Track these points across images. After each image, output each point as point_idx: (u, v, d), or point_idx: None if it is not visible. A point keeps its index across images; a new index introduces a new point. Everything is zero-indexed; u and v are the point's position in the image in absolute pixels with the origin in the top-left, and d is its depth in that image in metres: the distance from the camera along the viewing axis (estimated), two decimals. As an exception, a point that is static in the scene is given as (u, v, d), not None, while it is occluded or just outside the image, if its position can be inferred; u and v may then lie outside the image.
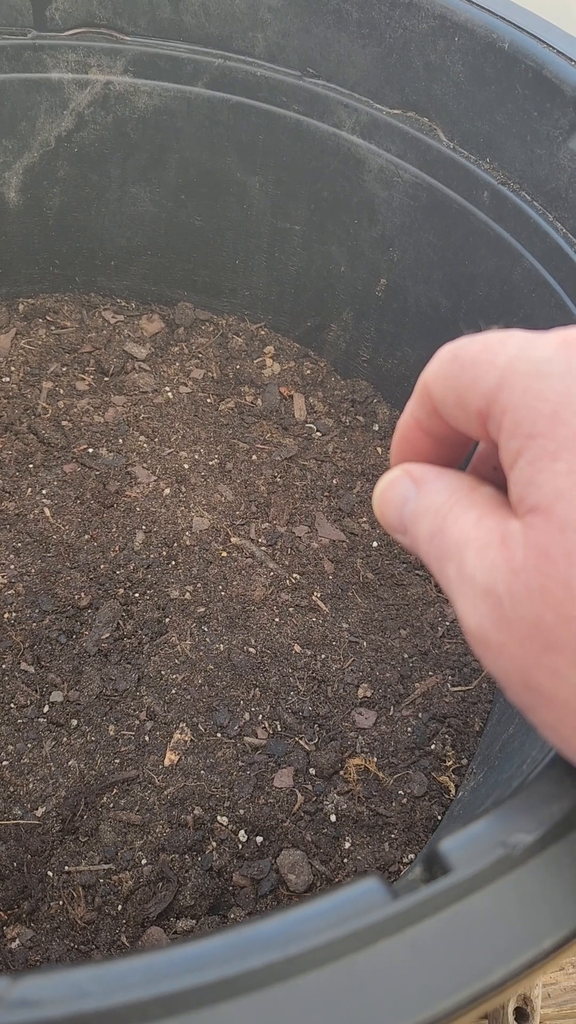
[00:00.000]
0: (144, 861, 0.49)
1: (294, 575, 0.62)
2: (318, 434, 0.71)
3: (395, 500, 0.26)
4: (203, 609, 0.59)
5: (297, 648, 0.58)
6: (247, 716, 0.55)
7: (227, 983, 0.19)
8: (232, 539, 0.63)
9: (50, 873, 0.48)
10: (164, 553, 0.61)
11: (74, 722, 0.54)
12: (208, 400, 0.72)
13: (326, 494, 0.67)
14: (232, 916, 0.48)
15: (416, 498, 0.25)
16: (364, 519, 0.66)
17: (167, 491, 0.65)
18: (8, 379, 0.70)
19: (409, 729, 0.55)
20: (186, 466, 0.67)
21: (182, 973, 0.19)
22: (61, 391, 0.70)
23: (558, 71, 0.51)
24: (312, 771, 0.53)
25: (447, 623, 0.61)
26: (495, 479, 0.25)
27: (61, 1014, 0.18)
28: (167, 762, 0.52)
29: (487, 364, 0.22)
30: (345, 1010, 0.19)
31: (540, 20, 0.53)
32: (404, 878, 0.22)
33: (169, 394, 0.71)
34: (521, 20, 0.53)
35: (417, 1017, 0.20)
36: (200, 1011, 0.19)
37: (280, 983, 0.19)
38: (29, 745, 0.52)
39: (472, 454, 0.27)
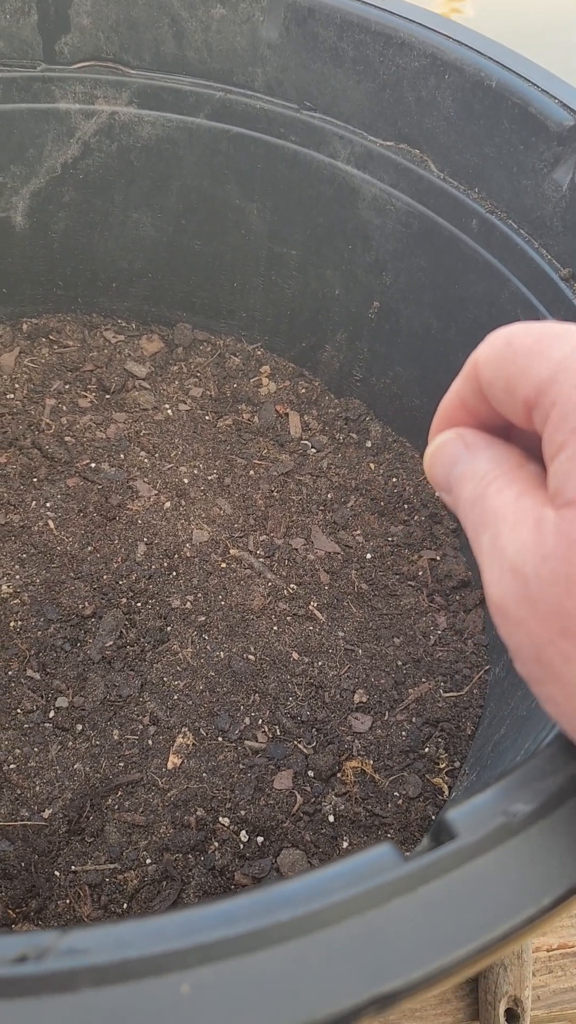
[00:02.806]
0: (148, 861, 0.50)
1: (291, 585, 0.64)
2: (313, 450, 0.73)
3: (445, 460, 0.27)
4: (204, 618, 0.61)
5: (295, 655, 0.60)
6: (247, 720, 0.56)
7: (258, 934, 0.21)
8: (231, 551, 0.65)
9: (57, 873, 0.49)
10: (165, 564, 0.63)
11: (79, 727, 0.55)
12: (207, 417, 0.74)
13: (321, 508, 0.69)
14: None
15: (465, 461, 0.26)
16: (358, 532, 0.68)
17: (168, 504, 0.67)
18: (12, 396, 0.72)
19: (404, 733, 0.57)
20: (186, 480, 0.69)
21: (216, 926, 0.21)
22: (64, 408, 0.72)
23: (542, 108, 0.54)
24: (311, 773, 0.55)
25: (439, 632, 0.63)
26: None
27: (107, 960, 0.20)
28: (170, 765, 0.54)
29: (541, 356, 0.23)
30: (364, 959, 0.21)
31: (525, 60, 0.56)
32: (415, 849, 0.24)
33: (169, 411, 0.74)
34: (507, 60, 0.56)
35: (430, 966, 0.21)
36: (234, 959, 0.21)
37: (306, 935, 0.21)
38: (36, 749, 0.54)
39: None
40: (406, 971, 0.21)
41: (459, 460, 0.26)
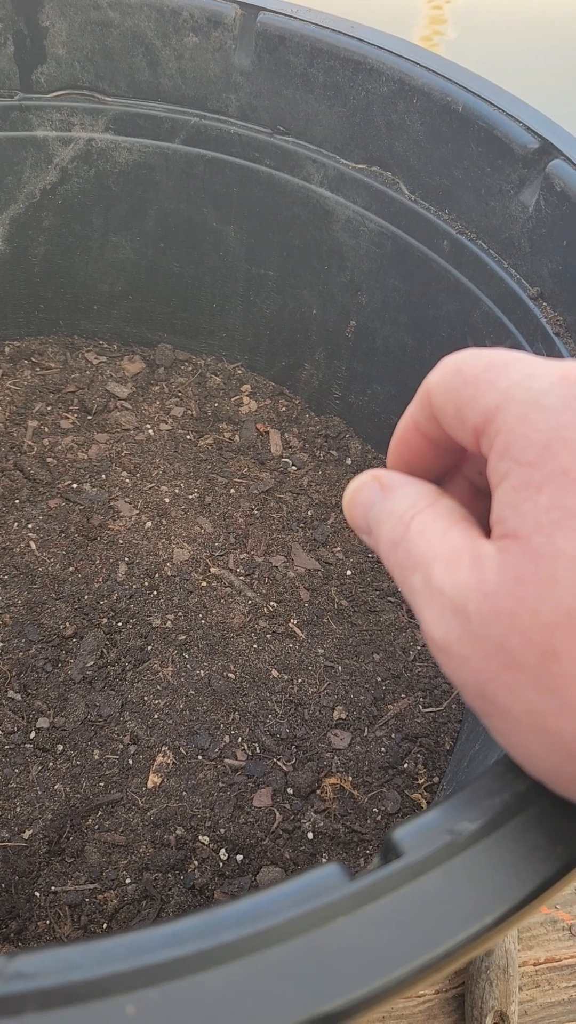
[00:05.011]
0: (128, 880, 0.51)
1: (271, 603, 0.64)
2: (293, 468, 0.74)
3: (362, 503, 0.27)
4: (184, 637, 0.61)
5: (275, 673, 0.60)
6: (227, 739, 0.57)
7: (203, 955, 0.21)
8: (211, 569, 0.65)
9: (37, 893, 0.50)
10: (146, 583, 0.64)
11: (60, 747, 0.56)
12: (188, 437, 0.75)
13: (301, 525, 0.70)
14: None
15: (381, 503, 0.26)
16: (338, 549, 0.69)
17: (149, 524, 0.68)
18: (-5, 418, 0.73)
19: (383, 749, 0.58)
20: (167, 500, 0.69)
21: (162, 947, 0.22)
22: (46, 429, 0.73)
23: (507, 131, 0.55)
24: (290, 790, 0.55)
25: (418, 648, 0.63)
26: (480, 483, 0.27)
27: (53, 984, 0.21)
28: (150, 784, 0.54)
29: (488, 384, 0.23)
30: (308, 978, 0.22)
31: (491, 85, 0.57)
32: (365, 867, 0.25)
33: (150, 431, 0.74)
34: (473, 85, 0.57)
35: (372, 985, 0.22)
36: (179, 980, 0.21)
37: (250, 955, 0.22)
38: (16, 770, 0.54)
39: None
40: (347, 990, 0.22)
41: (375, 502, 0.27)
